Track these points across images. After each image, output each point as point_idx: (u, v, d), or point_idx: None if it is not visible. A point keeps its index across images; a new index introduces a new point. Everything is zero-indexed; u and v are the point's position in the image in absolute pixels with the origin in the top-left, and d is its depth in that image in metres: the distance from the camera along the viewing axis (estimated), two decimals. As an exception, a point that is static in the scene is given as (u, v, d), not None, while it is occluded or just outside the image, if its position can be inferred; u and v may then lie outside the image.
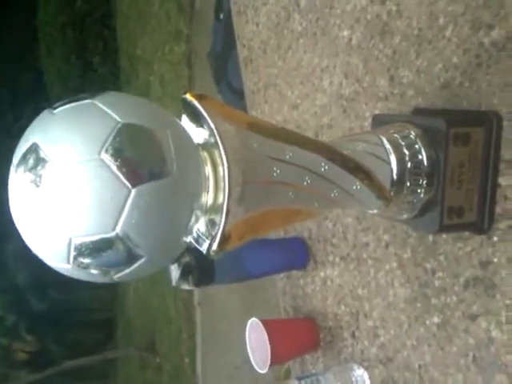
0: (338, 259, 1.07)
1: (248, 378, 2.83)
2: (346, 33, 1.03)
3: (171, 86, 4.38)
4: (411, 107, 0.87)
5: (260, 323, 1.14)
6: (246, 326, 1.17)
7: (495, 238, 0.73)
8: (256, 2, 1.33)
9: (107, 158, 0.48)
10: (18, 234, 0.53)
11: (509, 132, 0.72)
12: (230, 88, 1.81)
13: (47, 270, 0.53)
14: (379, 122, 0.81)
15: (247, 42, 1.36)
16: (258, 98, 1.31)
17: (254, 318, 1.16)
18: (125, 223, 0.49)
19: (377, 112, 0.95)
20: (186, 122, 0.59)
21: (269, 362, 1.12)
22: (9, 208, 0.53)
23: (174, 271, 1.04)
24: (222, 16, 1.93)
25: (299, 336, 1.19)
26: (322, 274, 1.12)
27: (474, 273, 0.76)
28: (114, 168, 0.48)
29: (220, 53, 1.92)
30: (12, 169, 0.52)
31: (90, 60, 5.86)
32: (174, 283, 1.06)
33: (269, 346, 1.11)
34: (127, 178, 0.49)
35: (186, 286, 1.08)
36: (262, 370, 1.14)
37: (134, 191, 0.49)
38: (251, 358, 1.17)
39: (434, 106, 0.84)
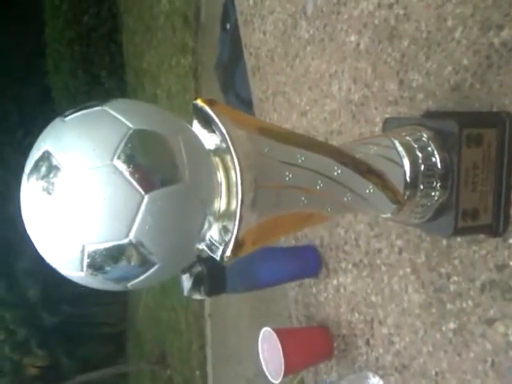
0: (350, 266, 1.05)
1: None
2: (353, 38, 1.02)
3: (178, 99, 4.40)
4: (422, 111, 0.86)
5: (273, 332, 1.13)
6: (257, 337, 1.16)
7: (511, 240, 0.72)
8: (262, 11, 1.33)
9: (120, 164, 0.48)
10: (29, 249, 0.53)
11: (522, 132, 0.71)
12: (237, 98, 1.81)
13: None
14: (390, 125, 0.80)
15: (254, 51, 1.36)
16: (266, 106, 1.31)
17: (266, 328, 1.15)
18: (138, 230, 0.48)
19: (387, 116, 0.94)
20: (197, 127, 0.58)
21: (282, 372, 1.11)
22: (20, 224, 0.53)
23: (186, 281, 1.04)
24: (228, 26, 1.94)
25: (312, 345, 1.18)
26: (334, 281, 1.11)
27: (490, 276, 0.75)
28: (127, 174, 0.48)
29: (227, 63, 1.93)
30: (24, 177, 0.51)
31: (96, 74, 5.90)
32: (185, 293, 1.05)
33: (282, 355, 1.10)
34: (140, 184, 0.48)
35: (197, 296, 1.07)
36: (276, 380, 1.13)
37: (146, 197, 0.48)
38: (264, 368, 1.16)
39: (445, 109, 0.83)
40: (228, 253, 0.54)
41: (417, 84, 0.88)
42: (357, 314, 1.05)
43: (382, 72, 0.95)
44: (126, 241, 0.48)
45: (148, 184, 0.48)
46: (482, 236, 0.75)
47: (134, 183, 0.48)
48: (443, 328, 0.83)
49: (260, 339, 1.15)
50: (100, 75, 5.91)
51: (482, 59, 0.77)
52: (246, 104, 1.55)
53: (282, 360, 1.10)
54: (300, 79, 1.18)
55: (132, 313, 7.15)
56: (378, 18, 0.96)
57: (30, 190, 0.50)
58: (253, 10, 1.37)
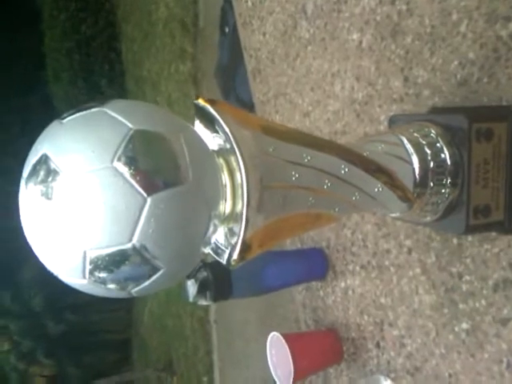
0: (358, 268, 1.04)
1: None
2: (355, 36, 1.01)
3: (179, 105, 4.38)
4: (428, 107, 0.84)
5: (281, 337, 1.11)
6: (264, 342, 1.14)
7: (524, 237, 0.70)
8: (261, 12, 1.32)
9: (120, 166, 0.46)
10: (32, 258, 0.51)
11: (533, 126, 0.69)
12: (238, 101, 1.80)
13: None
14: (396, 123, 0.78)
15: (254, 53, 1.35)
16: (268, 108, 1.29)
17: (274, 333, 1.13)
18: (141, 233, 0.46)
19: (392, 114, 0.92)
20: (199, 128, 0.57)
21: (292, 378, 1.09)
22: (22, 233, 0.51)
23: (192, 287, 1.02)
24: (227, 30, 1.92)
25: (321, 349, 1.16)
26: (342, 283, 1.09)
27: (504, 275, 0.73)
28: (128, 176, 0.46)
29: (227, 67, 1.91)
30: (22, 182, 0.50)
31: (97, 83, 5.89)
32: (191, 299, 1.03)
33: (291, 360, 1.08)
34: (142, 187, 0.46)
35: (203, 302, 1.05)
36: (285, 385, 1.11)
37: (149, 200, 0.46)
38: (273, 374, 1.14)
39: (452, 104, 0.81)
40: (235, 256, 0.52)
41: (422, 80, 0.86)
42: (366, 317, 1.03)
43: (386, 69, 0.93)
44: (129, 245, 0.46)
45: (150, 186, 0.46)
46: (493, 234, 0.74)
47: (136, 186, 0.46)
48: (456, 329, 0.81)
49: (268, 344, 1.13)
50: (100, 84, 5.90)
51: (489, 52, 0.75)
52: (247, 107, 1.53)
53: (291, 365, 1.08)
54: (302, 80, 1.16)
55: (137, 320, 7.13)
56: (380, 14, 0.94)
57: (28, 195, 0.48)
58: (252, 12, 1.35)
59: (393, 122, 0.79)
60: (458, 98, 0.80)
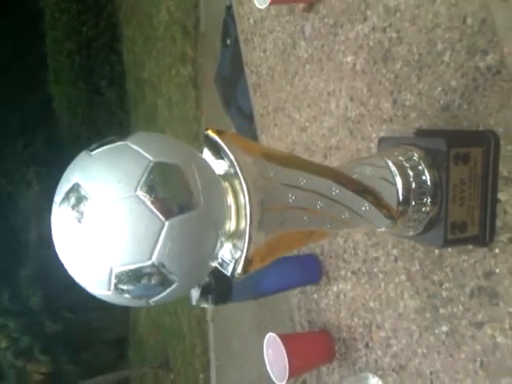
0: (349, 274, 1.12)
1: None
2: (350, 58, 1.09)
3: (179, 108, 4.46)
4: (414, 128, 0.92)
5: (277, 338, 1.19)
6: (259, 341, 1.22)
7: (497, 250, 0.78)
8: (263, 30, 1.39)
9: (142, 194, 0.54)
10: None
11: (505, 150, 0.77)
12: (239, 112, 1.87)
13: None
14: (385, 144, 0.86)
15: (255, 68, 1.43)
16: (267, 122, 1.37)
17: (271, 333, 1.20)
18: (160, 252, 0.54)
19: (382, 133, 1.00)
20: (207, 155, 0.64)
21: (287, 375, 1.17)
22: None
23: (195, 291, 1.10)
24: (229, 42, 2.00)
25: (315, 348, 1.24)
26: (334, 288, 1.17)
27: (479, 283, 0.81)
28: (149, 203, 0.54)
29: (228, 78, 1.99)
30: (55, 206, 0.57)
31: (97, 84, 5.97)
32: (194, 303, 1.11)
33: (286, 359, 1.16)
34: (161, 212, 0.54)
35: (205, 305, 1.13)
36: (281, 382, 1.18)
37: (167, 223, 0.54)
38: (269, 371, 1.21)
39: (436, 127, 0.89)
40: (239, 270, 0.60)
41: (409, 103, 0.94)
42: (356, 319, 1.11)
43: (377, 91, 1.01)
44: (149, 263, 0.54)
45: (168, 211, 0.54)
46: (470, 246, 0.81)
47: (156, 211, 0.54)
48: (436, 331, 0.89)
49: (265, 344, 1.21)
50: (100, 85, 5.98)
51: (469, 81, 0.83)
52: (248, 118, 1.61)
53: (287, 363, 1.16)
54: (300, 96, 1.24)
55: (134, 318, 7.20)
56: (373, 40, 1.02)
57: (61, 217, 0.56)
58: (253, 29, 1.43)
59: (381, 143, 0.87)
60: (441, 121, 0.88)
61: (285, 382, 1.18)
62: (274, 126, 1.35)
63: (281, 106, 1.32)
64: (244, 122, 1.81)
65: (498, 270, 0.78)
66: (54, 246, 0.58)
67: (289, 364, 1.16)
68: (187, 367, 4.81)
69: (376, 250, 1.03)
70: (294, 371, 1.19)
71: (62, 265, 0.57)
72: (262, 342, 1.21)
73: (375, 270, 1.04)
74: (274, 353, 1.20)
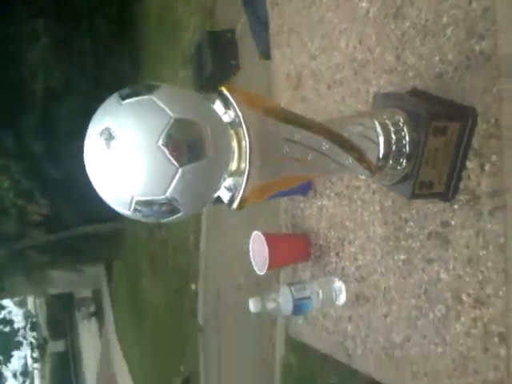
0: (333, 194, 1.30)
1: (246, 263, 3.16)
2: (364, 4, 1.18)
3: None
4: (409, 87, 1.05)
5: (262, 235, 1.39)
6: (246, 238, 1.41)
7: (456, 206, 0.96)
8: None
9: (162, 144, 0.68)
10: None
11: (480, 128, 0.92)
12: (257, 18, 1.93)
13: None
14: (379, 100, 1.00)
15: (276, -16, 1.50)
16: (281, 40, 1.47)
17: (256, 231, 1.40)
18: (173, 190, 0.70)
19: (381, 81, 1.13)
20: (218, 106, 0.78)
21: (267, 266, 1.38)
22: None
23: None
24: None
25: (294, 247, 1.45)
26: (319, 202, 1.36)
27: (436, 229, 0.99)
28: (167, 153, 0.68)
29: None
30: (88, 139, 0.72)
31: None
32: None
33: (268, 252, 1.37)
34: (176, 160, 0.69)
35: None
36: (261, 272, 1.40)
37: (180, 170, 0.69)
38: (252, 261, 1.43)
39: (428, 90, 1.02)
40: (235, 205, 0.76)
41: (410, 62, 1.06)
42: (333, 232, 1.30)
43: (384, 43, 1.12)
44: (163, 197, 0.71)
45: (182, 160, 0.69)
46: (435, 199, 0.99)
47: (172, 159, 0.69)
48: (395, 257, 1.09)
49: (251, 240, 1.41)
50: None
51: (464, 59, 0.95)
52: (264, 24, 1.68)
53: (267, 256, 1.37)
54: (314, 25, 1.34)
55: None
56: (389, -7, 1.11)
57: (93, 148, 0.70)
58: None
59: (375, 99, 1.01)
60: (433, 86, 1.01)
61: (264, 271, 1.39)
62: (287, 46, 1.45)
63: (295, 29, 1.41)
64: (260, 28, 1.87)
65: (453, 223, 0.96)
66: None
67: (269, 256, 1.37)
68: (180, 232, 5.17)
69: (358, 180, 1.20)
70: (274, 263, 1.41)
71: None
72: (250, 239, 1.41)
73: (355, 196, 1.21)
74: (258, 248, 1.40)
